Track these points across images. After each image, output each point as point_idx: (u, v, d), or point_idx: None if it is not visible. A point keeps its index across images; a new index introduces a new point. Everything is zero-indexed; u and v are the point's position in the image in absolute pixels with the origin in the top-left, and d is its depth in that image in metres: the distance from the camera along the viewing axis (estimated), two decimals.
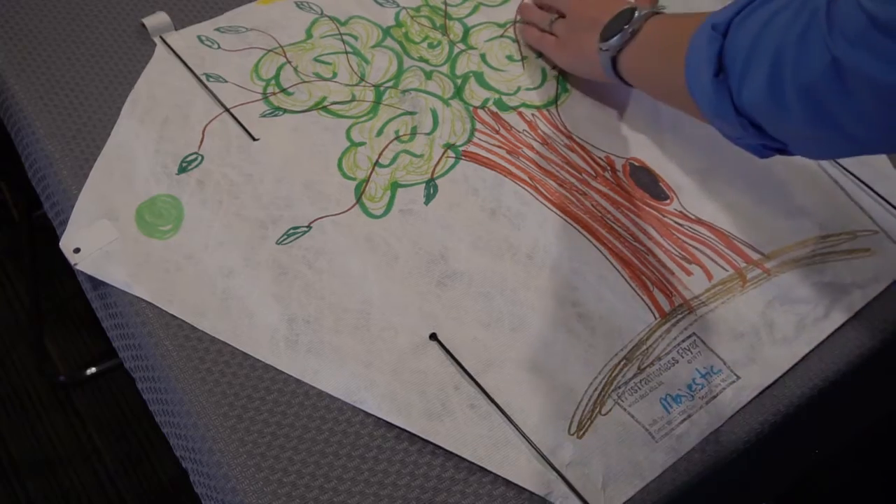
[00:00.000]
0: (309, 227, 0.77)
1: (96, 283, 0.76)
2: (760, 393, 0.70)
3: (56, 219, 0.83)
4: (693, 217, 0.80)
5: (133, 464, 1.48)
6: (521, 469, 0.65)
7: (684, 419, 0.68)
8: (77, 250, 0.75)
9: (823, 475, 1.22)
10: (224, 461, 0.66)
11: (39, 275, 1.47)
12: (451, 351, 0.71)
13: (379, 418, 0.68)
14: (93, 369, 1.58)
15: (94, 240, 0.76)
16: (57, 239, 0.83)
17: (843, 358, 0.73)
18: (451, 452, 0.66)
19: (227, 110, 0.85)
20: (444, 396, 0.68)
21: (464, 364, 0.70)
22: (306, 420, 0.68)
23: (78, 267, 0.75)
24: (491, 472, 0.66)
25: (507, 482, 0.65)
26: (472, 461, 0.66)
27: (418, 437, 0.67)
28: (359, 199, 0.80)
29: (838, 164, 0.84)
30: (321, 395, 0.69)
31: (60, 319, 1.62)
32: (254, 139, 0.83)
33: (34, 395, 1.56)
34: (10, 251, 1.72)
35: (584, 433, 0.67)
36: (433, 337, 0.71)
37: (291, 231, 0.77)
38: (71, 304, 1.61)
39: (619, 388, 0.69)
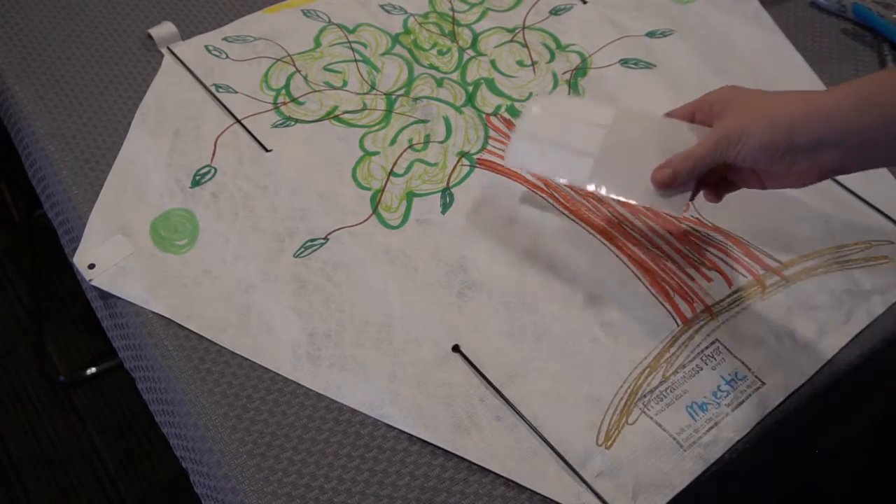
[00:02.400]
0: (326, 238, 0.77)
1: None
2: (785, 399, 0.70)
3: (56, 219, 0.83)
4: (709, 224, 0.80)
5: (133, 464, 1.48)
6: (550, 481, 0.65)
7: (711, 427, 0.68)
8: (92, 266, 0.74)
9: (824, 475, 1.22)
10: (224, 461, 0.65)
11: (39, 275, 1.46)
12: (475, 362, 0.70)
13: (379, 419, 0.67)
14: (93, 369, 1.57)
15: (110, 255, 0.75)
16: (57, 239, 0.83)
17: (842, 359, 0.73)
18: (451, 453, 0.66)
19: (239, 122, 0.84)
20: (470, 409, 0.68)
21: (488, 376, 0.69)
22: (306, 420, 0.67)
23: (93, 283, 0.74)
24: (491, 472, 0.65)
25: (507, 482, 0.65)
26: (501, 475, 0.65)
27: (418, 437, 0.67)
28: (375, 210, 0.79)
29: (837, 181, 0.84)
30: (321, 396, 0.69)
31: (60, 319, 1.61)
32: (266, 150, 0.82)
33: (34, 395, 1.55)
34: (10, 251, 1.71)
35: (612, 443, 0.67)
36: (456, 349, 0.71)
37: (308, 243, 0.76)
38: (71, 304, 1.61)
39: (645, 396, 0.69)
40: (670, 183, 0.67)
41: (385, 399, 0.68)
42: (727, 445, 0.67)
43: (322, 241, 0.77)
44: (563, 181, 0.76)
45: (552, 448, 0.66)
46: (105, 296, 0.75)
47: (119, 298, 0.73)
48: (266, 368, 0.70)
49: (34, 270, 1.44)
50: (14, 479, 1.45)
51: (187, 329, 0.71)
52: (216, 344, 0.71)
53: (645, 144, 0.70)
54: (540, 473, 0.65)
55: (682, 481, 0.65)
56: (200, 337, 0.71)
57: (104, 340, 0.80)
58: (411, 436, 0.67)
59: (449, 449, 0.66)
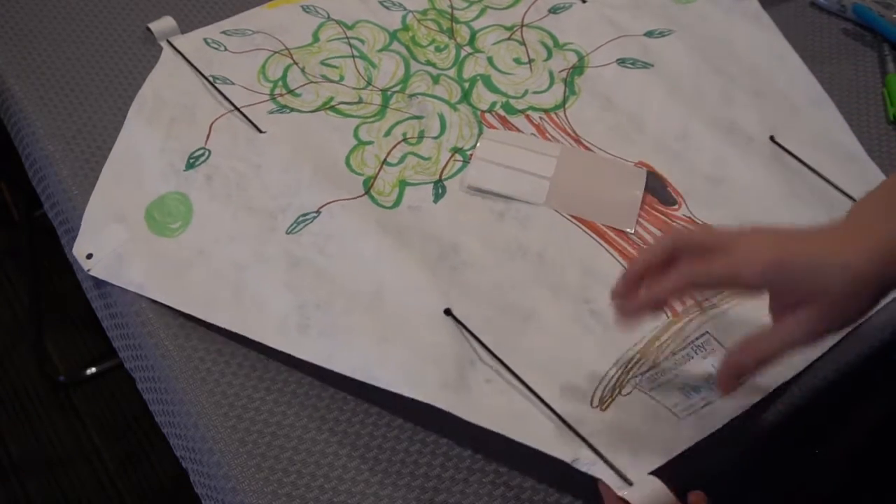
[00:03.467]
0: (318, 212, 0.77)
1: (98, 282, 0.75)
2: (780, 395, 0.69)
3: (56, 219, 0.83)
4: (701, 222, 0.79)
5: (133, 464, 1.48)
6: (544, 437, 0.63)
7: (706, 405, 0.66)
8: (90, 256, 0.74)
9: (823, 475, 1.20)
10: (224, 461, 0.65)
11: (39, 275, 1.47)
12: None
13: (379, 419, 0.67)
14: (93, 369, 1.58)
15: (106, 244, 0.75)
16: (57, 239, 0.83)
17: (840, 359, 0.72)
18: (451, 453, 0.65)
19: (235, 107, 0.84)
20: (460, 369, 0.67)
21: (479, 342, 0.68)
22: (306, 420, 0.67)
23: (91, 273, 0.74)
24: (491, 473, 0.65)
25: (507, 482, 0.64)
26: (495, 430, 0.63)
27: (418, 437, 0.66)
28: (367, 192, 0.79)
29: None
30: (321, 396, 0.68)
31: (60, 319, 1.62)
32: (261, 132, 0.83)
33: (34, 395, 1.55)
34: (10, 251, 1.72)
35: (606, 407, 0.66)
36: (448, 312, 0.70)
37: (301, 218, 0.76)
38: (71, 304, 1.60)
39: (636, 378, 0.68)
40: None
41: (373, 361, 0.67)
42: (723, 421, 0.66)
43: (314, 214, 0.76)
44: (519, 198, 0.80)
45: (545, 404, 0.64)
46: (105, 295, 0.75)
47: (119, 298, 0.73)
48: (266, 368, 0.69)
49: (34, 270, 1.44)
50: (14, 479, 1.45)
51: (187, 329, 0.71)
52: (216, 344, 0.70)
53: (593, 173, 0.82)
54: (533, 431, 0.64)
55: (680, 445, 0.64)
56: (201, 337, 0.71)
57: (104, 340, 0.80)
58: (412, 435, 0.66)
59: (439, 405, 0.64)
